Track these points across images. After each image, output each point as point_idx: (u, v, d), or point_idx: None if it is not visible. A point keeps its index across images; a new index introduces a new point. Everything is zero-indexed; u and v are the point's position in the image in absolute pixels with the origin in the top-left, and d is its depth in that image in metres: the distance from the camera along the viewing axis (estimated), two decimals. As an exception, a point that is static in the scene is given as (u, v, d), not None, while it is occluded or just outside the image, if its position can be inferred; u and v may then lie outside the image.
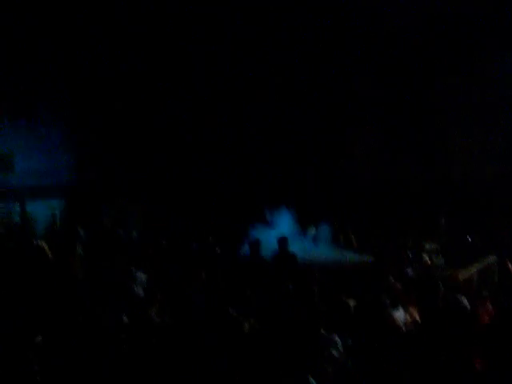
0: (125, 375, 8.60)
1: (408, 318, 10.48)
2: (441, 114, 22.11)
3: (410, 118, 22.38)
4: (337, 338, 8.71)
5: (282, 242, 14.97)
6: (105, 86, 23.52)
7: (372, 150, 23.27)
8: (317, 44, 22.36)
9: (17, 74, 21.45)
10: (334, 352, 8.51)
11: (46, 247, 13.54)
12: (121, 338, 9.55)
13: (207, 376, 9.03)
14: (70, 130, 23.09)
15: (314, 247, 17.24)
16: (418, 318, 10.58)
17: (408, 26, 20.71)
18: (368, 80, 22.58)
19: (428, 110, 22.19)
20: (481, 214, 20.11)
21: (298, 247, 16.35)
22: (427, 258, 16.44)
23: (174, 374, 9.01)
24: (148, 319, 10.60)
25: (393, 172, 22.65)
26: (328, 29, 21.95)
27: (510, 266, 14.81)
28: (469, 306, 10.57)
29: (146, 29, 22.35)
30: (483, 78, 20.81)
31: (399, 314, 10.37)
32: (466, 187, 21.44)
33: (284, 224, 17.92)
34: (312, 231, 18.50)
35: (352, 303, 11.27)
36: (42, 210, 21.75)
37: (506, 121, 21.20)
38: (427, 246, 17.37)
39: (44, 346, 9.28)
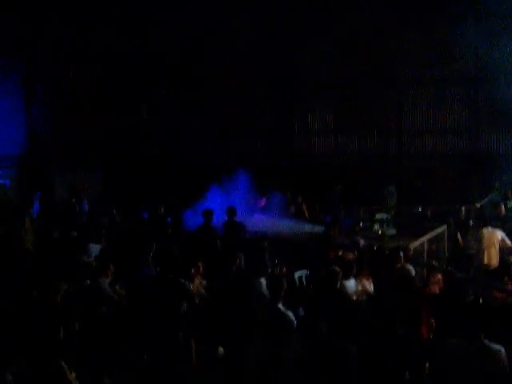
0: (75, 342, 8.57)
1: (360, 288, 10.58)
2: (396, 88, 22.29)
3: (360, 95, 22.52)
4: (290, 312, 8.76)
5: (230, 211, 14.96)
6: (56, 52, 23.28)
7: (326, 124, 23.38)
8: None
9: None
10: (288, 325, 8.56)
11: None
12: (71, 308, 9.50)
13: (155, 345, 9.09)
14: (20, 98, 22.74)
15: (265, 217, 17.26)
16: (369, 288, 10.69)
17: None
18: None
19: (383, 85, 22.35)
20: (429, 185, 20.41)
21: (249, 217, 16.41)
22: (378, 228, 16.62)
23: (121, 341, 9.04)
24: (99, 289, 10.56)
25: (346, 145, 22.83)
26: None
27: (459, 236, 15.04)
28: (413, 273, 10.77)
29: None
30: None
31: (351, 284, 10.46)
32: (416, 158, 21.71)
33: (237, 193, 17.90)
34: (263, 201, 18.56)
35: (303, 273, 11.40)
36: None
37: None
38: (378, 217, 17.52)
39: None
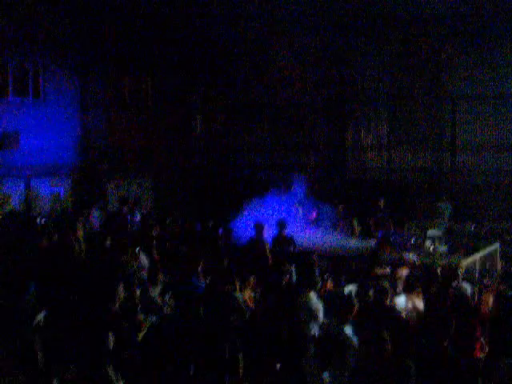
0: (125, 352, 8.62)
1: (410, 305, 10.44)
2: (450, 104, 22.07)
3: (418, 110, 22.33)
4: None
5: (281, 224, 15.01)
6: (111, 62, 23.59)
7: (379, 139, 23.24)
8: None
9: (24, 54, 21.44)
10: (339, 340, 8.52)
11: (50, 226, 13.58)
12: (122, 318, 9.56)
13: (207, 357, 9.08)
14: (75, 107, 23.04)
15: (315, 232, 17.24)
16: (420, 305, 10.54)
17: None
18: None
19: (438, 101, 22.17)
20: (483, 202, 20.13)
21: (301, 232, 16.41)
22: (430, 245, 16.43)
23: (173, 352, 9.05)
24: (150, 299, 10.63)
25: (399, 161, 22.65)
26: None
27: None
28: (472, 295, 10.57)
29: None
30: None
31: (401, 301, 10.35)
32: (470, 174, 21.44)
33: (288, 206, 17.92)
34: (314, 216, 18.51)
35: (353, 288, 11.29)
36: (46, 189, 21.77)
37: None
38: (430, 233, 17.33)
39: (47, 323, 9.33)
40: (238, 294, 10.40)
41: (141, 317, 9.66)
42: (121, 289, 10.11)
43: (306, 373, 8.07)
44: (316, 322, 9.45)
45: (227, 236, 15.13)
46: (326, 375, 7.81)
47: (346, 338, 8.35)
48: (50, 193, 21.80)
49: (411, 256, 13.77)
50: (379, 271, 12.47)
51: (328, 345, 8.15)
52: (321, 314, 9.68)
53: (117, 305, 9.75)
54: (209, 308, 9.83)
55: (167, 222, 16.48)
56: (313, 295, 10.07)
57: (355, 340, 8.50)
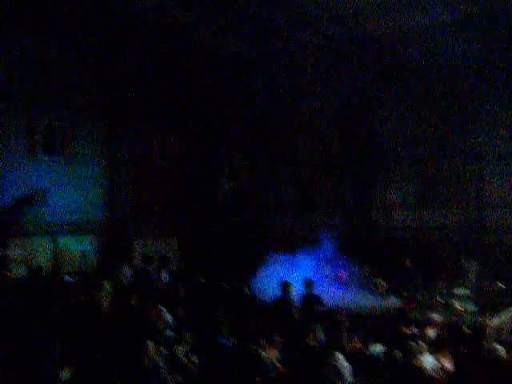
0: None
1: (439, 365, 10.31)
2: (476, 162, 22.06)
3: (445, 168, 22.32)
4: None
5: (308, 284, 15.03)
6: (140, 121, 23.92)
7: (400, 197, 23.22)
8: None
9: (53, 112, 21.76)
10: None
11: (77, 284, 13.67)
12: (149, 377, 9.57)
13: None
14: (105, 166, 23.27)
15: (344, 291, 17.18)
16: (449, 365, 10.40)
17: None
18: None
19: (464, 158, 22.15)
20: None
21: (328, 291, 16.36)
22: (457, 304, 16.27)
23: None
24: (176, 358, 10.63)
25: (425, 219, 22.56)
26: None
27: None
28: (505, 356, 10.41)
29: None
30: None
31: (429, 361, 10.23)
32: (497, 232, 21.27)
33: (314, 266, 17.92)
34: (343, 275, 18.46)
35: (380, 348, 11.20)
36: (74, 246, 21.88)
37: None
38: (457, 292, 17.18)
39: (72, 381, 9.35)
40: (263, 353, 10.37)
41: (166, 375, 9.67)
42: (151, 345, 10.17)
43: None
44: (343, 381, 9.38)
45: (250, 294, 15.10)
46: None
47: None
48: (77, 250, 21.91)
49: (438, 315, 13.61)
50: (407, 331, 12.35)
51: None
52: (348, 374, 9.62)
53: (146, 361, 9.79)
54: (235, 367, 9.81)
55: (195, 280, 16.51)
56: (339, 355, 10.01)
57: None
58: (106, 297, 14.21)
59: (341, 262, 18.52)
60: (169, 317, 12.83)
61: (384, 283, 18.06)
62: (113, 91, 22.87)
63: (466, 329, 11.46)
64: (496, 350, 10.36)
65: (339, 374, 9.53)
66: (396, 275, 18.63)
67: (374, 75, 22.43)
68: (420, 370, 9.74)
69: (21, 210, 19.83)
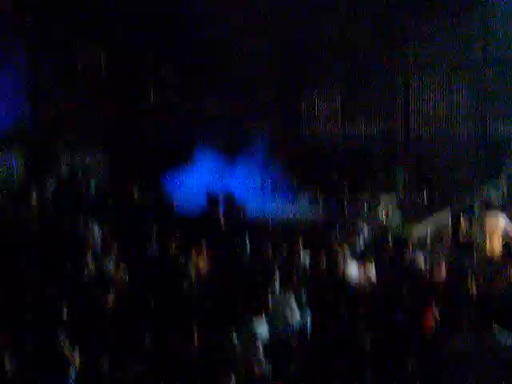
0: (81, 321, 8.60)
1: (362, 273, 10.51)
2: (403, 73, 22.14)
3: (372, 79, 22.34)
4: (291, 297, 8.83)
5: (229, 198, 14.87)
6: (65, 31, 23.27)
7: (333, 109, 23.23)
8: None
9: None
10: (288, 311, 8.63)
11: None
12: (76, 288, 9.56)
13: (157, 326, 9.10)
14: (24, 76, 22.65)
15: (270, 200, 17.29)
16: (372, 273, 10.61)
17: None
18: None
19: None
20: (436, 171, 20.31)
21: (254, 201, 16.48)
22: (383, 213, 16.57)
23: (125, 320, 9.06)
24: (103, 269, 10.62)
25: (352, 130, 22.69)
26: None
27: (462, 222, 14.79)
28: (423, 264, 10.69)
29: None
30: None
31: (353, 270, 10.43)
32: (424, 145, 21.57)
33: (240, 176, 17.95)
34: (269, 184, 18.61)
35: (306, 256, 11.35)
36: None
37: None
38: (384, 201, 17.46)
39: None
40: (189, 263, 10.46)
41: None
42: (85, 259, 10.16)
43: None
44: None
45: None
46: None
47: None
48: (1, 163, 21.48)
49: (363, 224, 13.82)
50: (332, 239, 12.54)
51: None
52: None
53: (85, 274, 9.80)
54: (161, 277, 9.87)
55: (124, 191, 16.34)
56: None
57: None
58: (31, 210, 14.00)
59: (267, 173, 18.60)
60: (96, 228, 12.73)
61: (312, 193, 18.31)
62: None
63: (388, 237, 11.67)
64: (416, 257, 10.62)
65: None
66: (322, 186, 18.83)
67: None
68: (344, 278, 9.94)
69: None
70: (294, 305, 8.66)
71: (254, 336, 7.73)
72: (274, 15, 22.64)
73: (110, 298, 9.46)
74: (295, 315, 8.73)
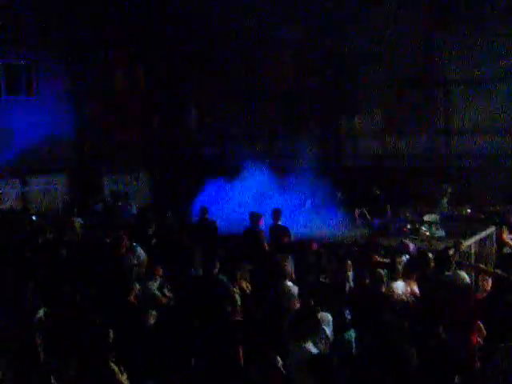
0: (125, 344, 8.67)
1: (408, 289, 10.44)
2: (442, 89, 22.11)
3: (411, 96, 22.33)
4: (329, 316, 8.84)
5: (276, 214, 14.81)
6: (103, 56, 23.62)
7: (367, 125, 23.25)
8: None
9: (16, 51, 21.46)
10: (327, 329, 8.63)
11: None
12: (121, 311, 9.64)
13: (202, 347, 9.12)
14: (70, 104, 23.04)
15: (314, 220, 17.29)
16: (416, 291, 10.53)
17: None
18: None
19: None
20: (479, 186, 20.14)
21: (297, 219, 16.51)
22: (426, 230, 16.47)
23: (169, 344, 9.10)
24: (149, 293, 10.71)
25: (394, 146, 22.64)
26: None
27: (504, 235, 14.57)
28: (468, 281, 10.58)
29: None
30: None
31: (399, 286, 10.38)
32: (466, 160, 21.41)
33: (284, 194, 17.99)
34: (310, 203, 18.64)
35: (350, 274, 11.34)
36: (42, 186, 21.80)
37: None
38: (427, 218, 17.36)
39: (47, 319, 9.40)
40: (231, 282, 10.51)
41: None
42: (135, 283, 10.25)
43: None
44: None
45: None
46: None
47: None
48: (46, 190, 21.82)
49: (407, 242, 13.74)
50: (377, 258, 12.52)
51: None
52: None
53: (132, 298, 9.89)
54: (205, 297, 9.90)
55: (167, 215, 16.48)
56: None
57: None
58: (75, 234, 14.19)
59: (310, 191, 18.63)
60: (140, 252, 12.85)
61: (355, 212, 18.30)
62: (75, 27, 22.48)
63: (429, 254, 11.57)
64: (459, 276, 10.51)
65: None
66: (365, 203, 18.80)
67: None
68: (387, 296, 9.89)
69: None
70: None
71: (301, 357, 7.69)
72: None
73: (154, 319, 9.56)
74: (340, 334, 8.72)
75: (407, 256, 12.28)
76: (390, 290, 10.18)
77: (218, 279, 10.62)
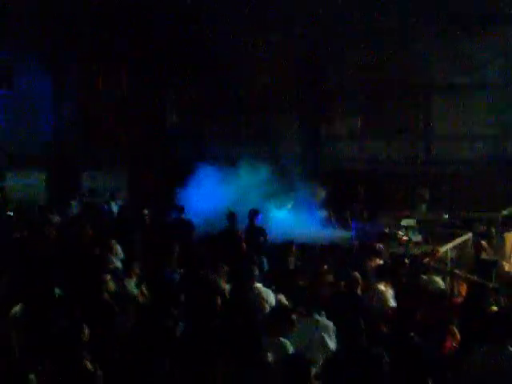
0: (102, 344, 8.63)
1: (381, 295, 10.48)
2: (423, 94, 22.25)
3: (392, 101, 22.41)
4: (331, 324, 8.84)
5: (252, 214, 14.88)
6: (84, 55, 23.52)
7: (352, 130, 23.33)
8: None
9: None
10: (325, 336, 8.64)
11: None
12: (97, 310, 9.60)
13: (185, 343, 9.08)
14: (50, 101, 22.95)
15: (294, 222, 17.34)
16: (391, 295, 10.58)
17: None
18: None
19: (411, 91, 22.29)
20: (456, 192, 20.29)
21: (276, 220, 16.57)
22: (403, 235, 16.55)
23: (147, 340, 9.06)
24: (125, 291, 10.69)
25: (373, 151, 22.73)
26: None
27: (483, 243, 14.73)
28: (443, 286, 10.68)
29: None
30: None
31: (372, 291, 10.44)
32: (445, 166, 21.54)
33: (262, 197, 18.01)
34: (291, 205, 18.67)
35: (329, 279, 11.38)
36: (21, 182, 21.71)
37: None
38: (404, 223, 17.46)
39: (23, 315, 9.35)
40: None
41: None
42: (108, 279, 10.22)
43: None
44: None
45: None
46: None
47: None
48: (23, 186, 21.71)
49: (381, 246, 13.77)
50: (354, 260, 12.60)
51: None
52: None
53: (105, 295, 9.85)
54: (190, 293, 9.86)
55: (145, 213, 16.43)
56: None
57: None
58: (52, 231, 14.10)
59: (290, 193, 18.68)
60: (118, 249, 12.83)
61: (334, 214, 18.38)
62: (56, 25, 22.36)
63: (405, 259, 11.67)
64: (434, 282, 10.60)
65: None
66: (345, 207, 18.89)
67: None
68: (362, 299, 9.96)
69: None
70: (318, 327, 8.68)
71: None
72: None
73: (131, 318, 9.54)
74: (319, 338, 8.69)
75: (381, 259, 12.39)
76: (364, 295, 10.26)
77: (206, 276, 10.63)
